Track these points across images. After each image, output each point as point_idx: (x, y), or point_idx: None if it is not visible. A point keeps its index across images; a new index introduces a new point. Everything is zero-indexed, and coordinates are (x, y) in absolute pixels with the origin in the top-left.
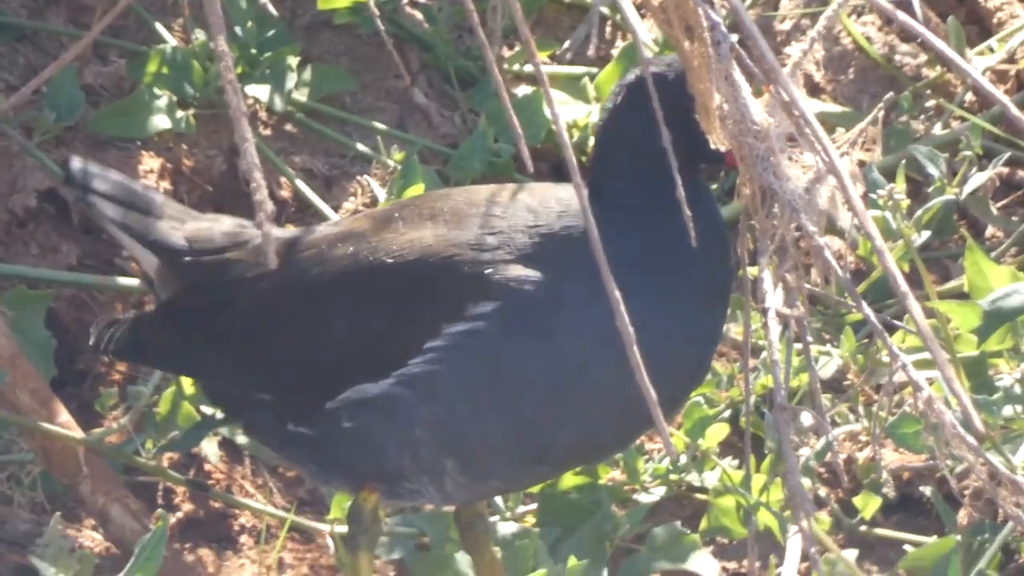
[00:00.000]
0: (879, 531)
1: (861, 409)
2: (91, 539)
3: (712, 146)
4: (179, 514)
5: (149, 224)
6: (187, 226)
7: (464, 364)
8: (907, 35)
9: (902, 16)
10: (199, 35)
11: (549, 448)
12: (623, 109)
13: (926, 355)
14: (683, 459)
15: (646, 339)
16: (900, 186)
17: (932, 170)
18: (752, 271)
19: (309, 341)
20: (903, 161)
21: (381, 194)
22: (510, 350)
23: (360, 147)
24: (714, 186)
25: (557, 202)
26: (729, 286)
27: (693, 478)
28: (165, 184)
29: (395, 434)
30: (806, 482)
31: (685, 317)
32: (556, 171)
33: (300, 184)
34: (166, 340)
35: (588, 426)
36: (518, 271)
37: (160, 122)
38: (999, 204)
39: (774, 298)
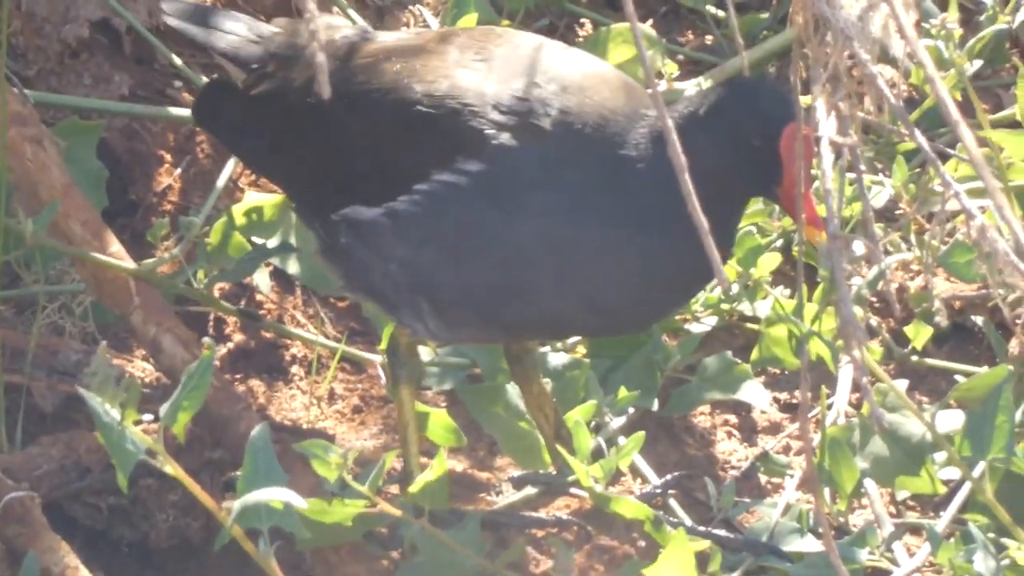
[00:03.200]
0: (930, 361)
1: (913, 238)
2: (142, 369)
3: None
4: (230, 344)
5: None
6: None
7: (437, 212)
8: None
9: None
10: None
11: (500, 315)
12: (715, 112)
13: (978, 184)
14: (735, 288)
15: (642, 245)
16: (952, 15)
17: None
18: (805, 100)
19: (331, 146)
20: None
21: (433, 23)
22: (478, 212)
23: None
24: (765, 15)
25: (602, 95)
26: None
27: (745, 308)
28: None
29: (376, 262)
30: (858, 311)
31: (679, 259)
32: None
33: (352, 13)
34: (233, 116)
35: (540, 303)
36: (517, 141)
37: None
38: None
39: (827, 127)
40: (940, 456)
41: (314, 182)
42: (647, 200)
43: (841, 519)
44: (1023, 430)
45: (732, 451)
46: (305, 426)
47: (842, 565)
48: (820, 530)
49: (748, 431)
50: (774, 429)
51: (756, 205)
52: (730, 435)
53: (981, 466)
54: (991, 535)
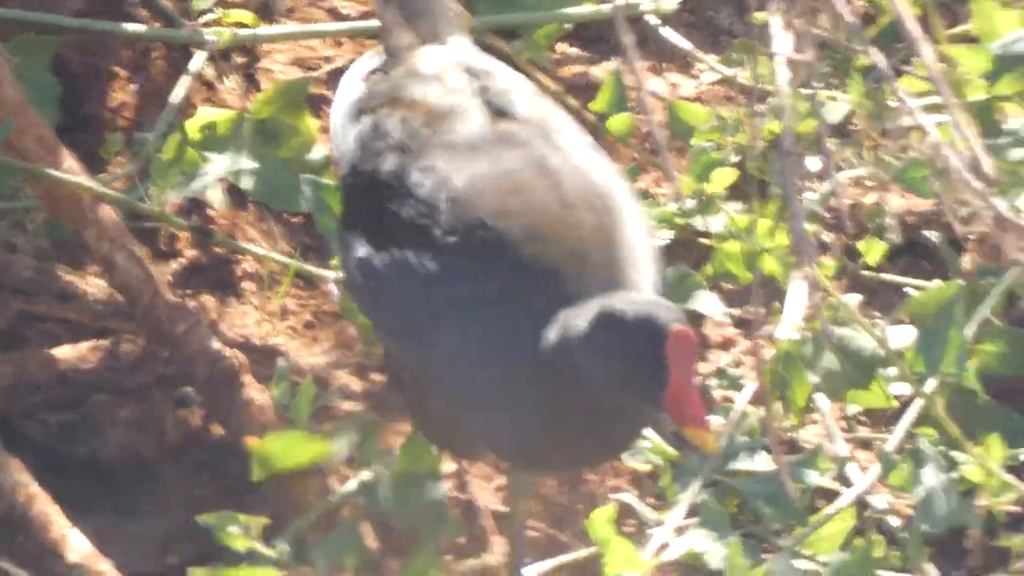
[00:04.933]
0: (883, 276)
1: (868, 154)
2: (95, 286)
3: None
4: (182, 260)
5: None
6: None
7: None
8: None
9: None
10: None
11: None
12: (600, 325)
13: (934, 100)
14: (689, 203)
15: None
16: None
17: None
18: (761, 16)
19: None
20: None
21: None
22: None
23: None
24: None
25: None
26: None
27: (699, 222)
28: None
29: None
30: (811, 227)
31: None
32: None
33: None
34: None
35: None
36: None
37: None
38: None
39: (783, 43)
40: (892, 371)
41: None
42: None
43: (792, 434)
44: (974, 346)
45: None
46: (257, 342)
47: (791, 483)
48: (771, 445)
49: (701, 346)
50: (727, 344)
51: (711, 122)
52: None
53: (932, 381)
54: (942, 450)
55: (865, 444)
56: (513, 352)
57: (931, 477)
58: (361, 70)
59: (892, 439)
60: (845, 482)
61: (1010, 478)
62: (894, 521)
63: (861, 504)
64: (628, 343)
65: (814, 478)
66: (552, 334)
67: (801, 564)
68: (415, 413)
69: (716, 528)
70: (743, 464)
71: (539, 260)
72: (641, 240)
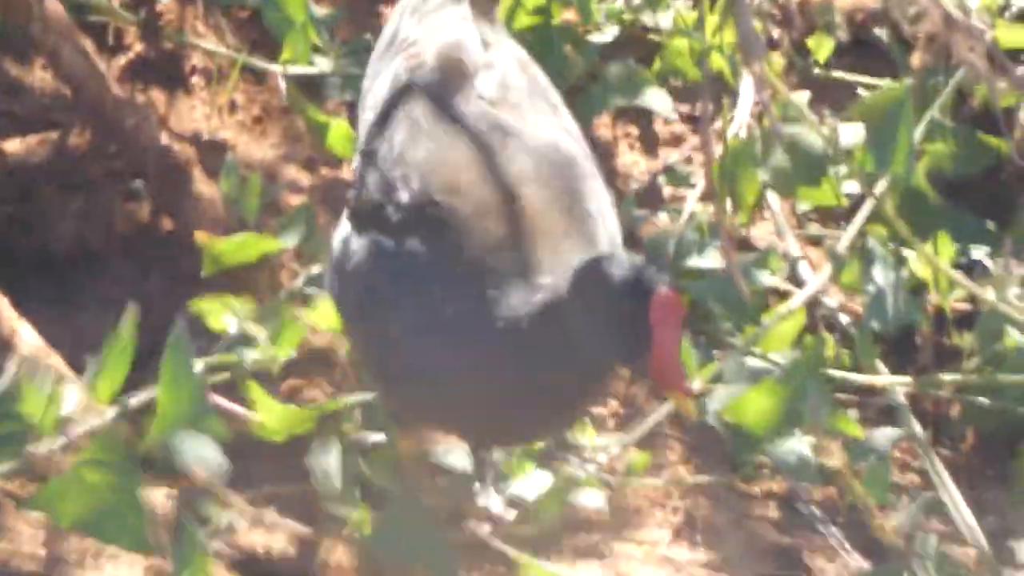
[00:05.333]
0: (833, 73)
1: None
2: (41, 79)
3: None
4: (130, 55)
5: None
6: None
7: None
8: None
9: None
10: None
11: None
12: (583, 284)
13: None
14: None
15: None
16: None
17: None
18: None
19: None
20: None
21: None
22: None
23: None
24: None
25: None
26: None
27: (647, 18)
28: None
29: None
30: (759, 24)
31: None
32: None
33: None
34: None
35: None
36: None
37: None
38: None
39: None
40: (842, 169)
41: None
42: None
43: (743, 231)
44: (923, 146)
45: (634, 163)
46: (206, 136)
47: (743, 280)
48: (721, 242)
49: (650, 143)
50: (676, 141)
51: None
52: (632, 147)
53: (882, 180)
54: (892, 248)
55: (815, 241)
56: (471, 326)
57: (881, 276)
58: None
59: (843, 238)
60: (796, 281)
61: (959, 276)
62: (845, 320)
63: (812, 303)
64: (614, 303)
65: (766, 278)
66: (519, 301)
67: (753, 363)
68: (378, 392)
69: None
70: (693, 262)
71: (491, 235)
72: (602, 214)
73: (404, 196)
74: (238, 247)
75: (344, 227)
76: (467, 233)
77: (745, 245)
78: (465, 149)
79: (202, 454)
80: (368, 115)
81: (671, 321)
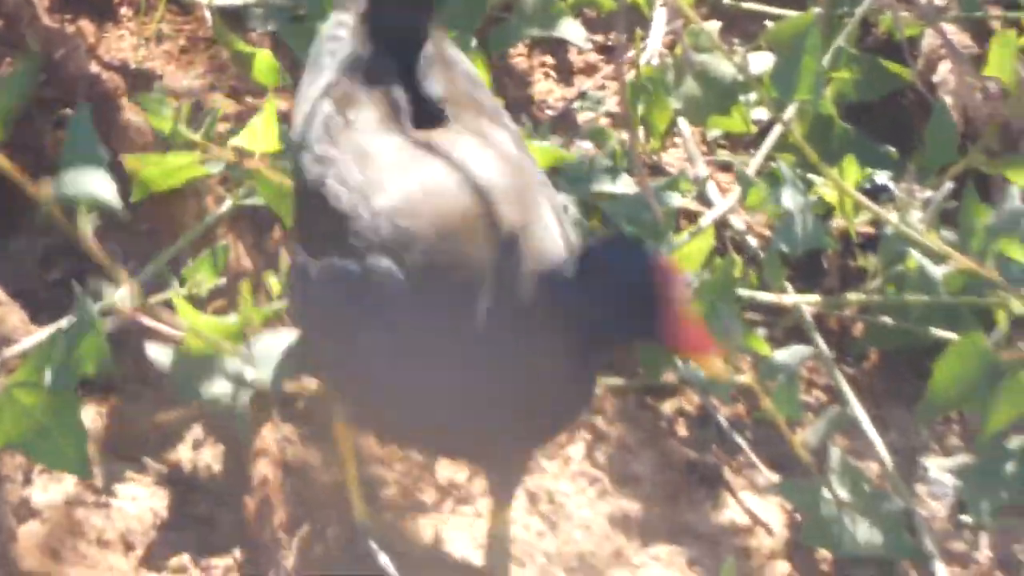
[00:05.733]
0: (743, 4)
1: None
2: None
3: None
4: None
5: None
6: None
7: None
8: None
9: None
10: None
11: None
12: (587, 267)
13: None
14: None
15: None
16: None
17: None
18: None
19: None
20: None
21: None
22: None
23: None
24: None
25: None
26: (540, 439)
27: None
28: None
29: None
30: None
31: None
32: None
33: None
34: None
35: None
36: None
37: None
38: None
39: None
40: (751, 97)
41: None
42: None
43: (655, 157)
44: (830, 73)
45: (549, 91)
46: (134, 66)
47: (656, 202)
48: (633, 168)
49: (565, 72)
50: (590, 70)
51: None
52: (547, 76)
53: (790, 107)
54: (799, 172)
55: (726, 167)
56: (447, 342)
57: (789, 199)
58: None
59: (752, 163)
60: (706, 204)
61: (864, 200)
62: (753, 242)
63: (721, 225)
64: (617, 283)
65: (676, 200)
66: (504, 311)
67: None
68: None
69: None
70: (606, 187)
71: (457, 252)
72: (557, 225)
73: (368, 224)
74: (166, 172)
75: (300, 253)
76: (432, 252)
77: (657, 170)
78: (427, 176)
79: (96, 190)
80: (312, 132)
81: (677, 289)
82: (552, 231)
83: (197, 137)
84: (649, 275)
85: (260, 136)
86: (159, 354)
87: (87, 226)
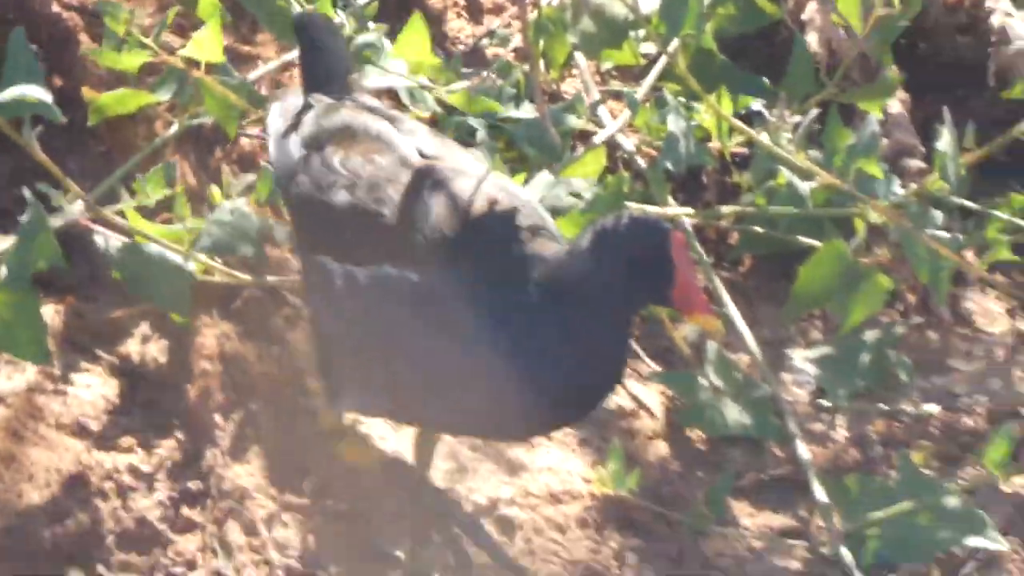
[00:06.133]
0: None
1: None
2: None
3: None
4: None
5: None
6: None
7: (379, 294)
8: None
9: None
10: None
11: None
12: (599, 241)
13: None
14: None
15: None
16: None
17: None
18: None
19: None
20: None
21: None
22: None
23: None
24: None
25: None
26: (594, 405)
27: None
28: None
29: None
30: None
31: (554, 389)
32: None
33: None
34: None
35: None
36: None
37: None
38: None
39: None
40: (641, 33)
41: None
42: (541, 331)
43: (555, 87)
44: (711, 10)
45: (461, 29)
46: (91, 5)
47: (552, 126)
48: (534, 95)
49: (475, 12)
50: (498, 10)
51: None
52: (459, 15)
53: (675, 42)
54: (682, 100)
55: (617, 96)
56: (503, 336)
57: (673, 123)
58: (291, 106)
59: (640, 91)
60: (599, 126)
61: (739, 123)
62: (641, 162)
63: (613, 146)
64: (636, 253)
65: (572, 121)
66: (549, 291)
67: (562, 193)
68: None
69: (486, 157)
70: (511, 112)
71: (496, 253)
72: (544, 218)
73: (420, 232)
74: (119, 100)
75: (326, 262)
76: (469, 257)
77: (556, 98)
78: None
79: (36, 101)
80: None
81: (685, 258)
82: (554, 233)
83: (149, 40)
84: (661, 247)
85: (206, 47)
86: (108, 246)
87: (32, 136)
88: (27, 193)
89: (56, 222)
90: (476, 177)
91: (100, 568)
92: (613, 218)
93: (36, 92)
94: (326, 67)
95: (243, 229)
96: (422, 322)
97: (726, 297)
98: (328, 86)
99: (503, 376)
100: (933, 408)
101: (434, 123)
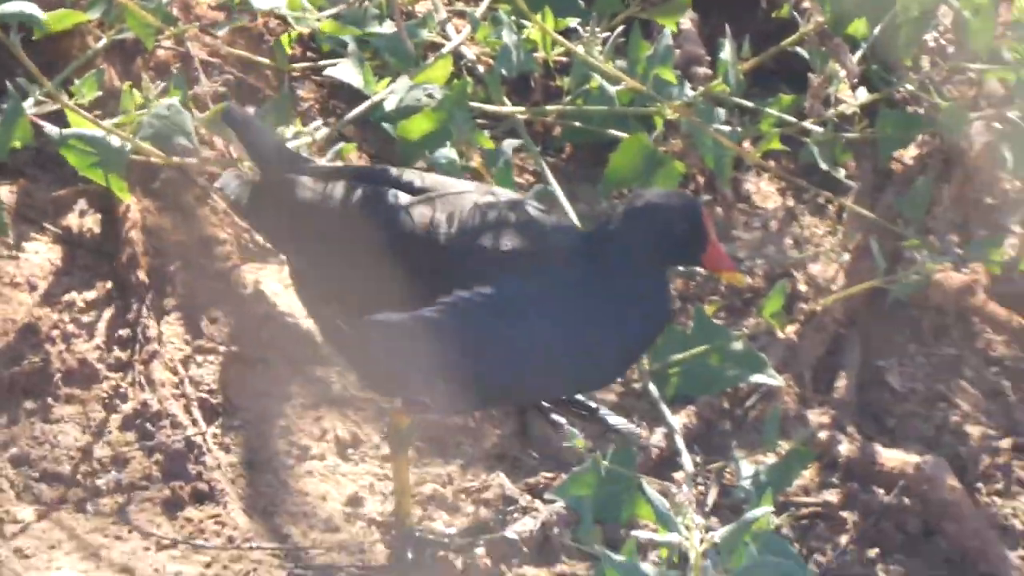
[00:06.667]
0: None
1: None
2: None
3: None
4: None
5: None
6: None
7: (457, 320)
8: None
9: None
10: None
11: (491, 395)
12: (636, 217)
13: None
14: None
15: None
16: None
17: None
18: None
19: (352, 266)
20: None
21: None
22: (486, 322)
23: None
24: None
25: (544, 242)
26: (643, 351)
27: None
28: None
29: (409, 357)
30: None
31: (606, 347)
32: None
33: None
34: (272, 222)
35: (524, 386)
36: (513, 275)
37: None
38: None
39: None
40: None
41: (346, 292)
42: (593, 304)
43: (410, 8)
44: None
45: None
46: None
47: (408, 39)
48: (394, 14)
49: None
50: None
51: None
52: None
53: None
54: (514, 19)
55: (461, 15)
56: (567, 308)
57: (507, 37)
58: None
59: (479, 9)
60: (447, 39)
61: (559, 37)
62: (481, 68)
63: (458, 56)
64: (674, 223)
65: (424, 35)
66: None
67: (419, 94)
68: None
69: (356, 66)
70: (375, 28)
71: (528, 250)
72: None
73: (478, 254)
74: (59, 19)
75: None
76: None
77: (411, 16)
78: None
79: (23, 10)
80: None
81: (710, 223)
82: (550, 219)
83: None
84: (697, 219)
85: None
86: (61, 133)
87: (17, 40)
88: (9, 85)
89: (31, 109)
90: (474, 190)
91: (50, 400)
92: (649, 195)
93: (26, 7)
94: (266, 146)
95: (179, 123)
96: (507, 326)
97: (552, 178)
98: (276, 158)
99: (590, 343)
100: None
101: (313, 37)
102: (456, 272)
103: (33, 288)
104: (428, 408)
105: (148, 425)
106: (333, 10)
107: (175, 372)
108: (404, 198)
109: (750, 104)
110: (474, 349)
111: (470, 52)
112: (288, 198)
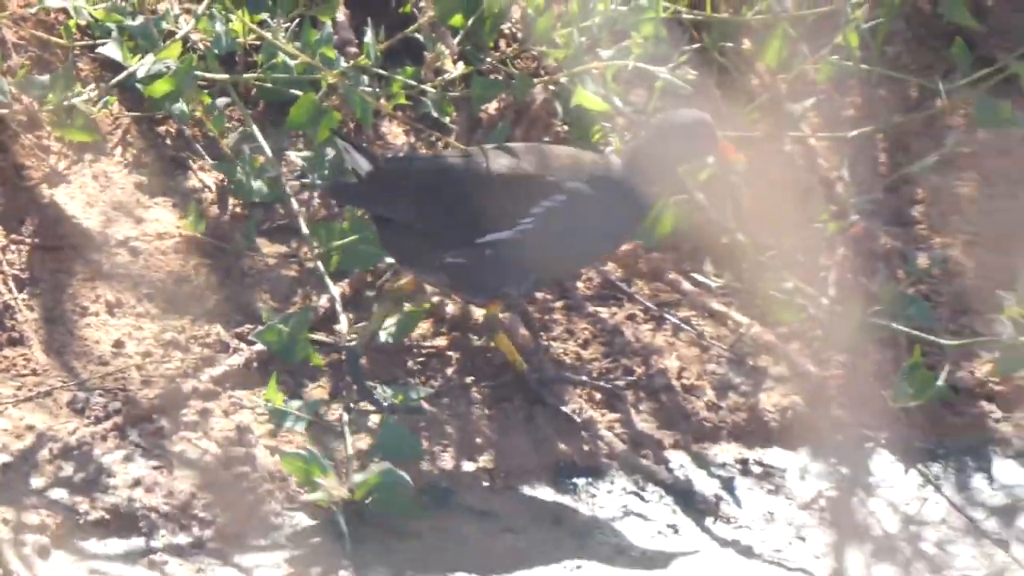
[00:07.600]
0: None
1: None
2: None
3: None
4: None
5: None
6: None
7: (543, 224)
8: None
9: None
10: None
11: (567, 270)
12: (652, 138)
13: None
14: None
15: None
16: None
17: None
18: None
19: (465, 205)
20: None
21: None
22: (565, 221)
23: None
24: None
25: (583, 163)
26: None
27: None
28: None
29: (510, 260)
30: None
31: (616, 236)
32: None
33: None
34: (370, 192)
35: (587, 257)
36: (574, 187)
37: None
38: None
39: None
40: None
41: (459, 227)
42: (627, 202)
43: (153, 6)
44: None
45: None
46: None
47: (152, 28)
48: (143, 11)
49: None
50: None
51: None
52: None
53: None
54: (224, 13)
55: (188, 11)
56: (606, 209)
57: (218, 27)
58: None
59: (201, 7)
60: (179, 28)
61: (256, 28)
62: (202, 48)
63: (187, 40)
64: (696, 132)
65: (163, 25)
66: (624, 165)
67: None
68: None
69: (118, 46)
70: (129, 22)
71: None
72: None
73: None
74: None
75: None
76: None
77: (155, 11)
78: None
79: None
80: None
81: (715, 128)
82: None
83: None
84: (711, 126)
85: None
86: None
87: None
88: None
89: None
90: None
91: None
92: (673, 115)
93: None
94: (367, 152)
95: None
96: (574, 218)
97: (254, 125)
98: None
99: (619, 231)
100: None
101: (89, 25)
102: (535, 191)
103: None
104: (512, 297)
105: None
106: (102, 5)
107: None
108: (490, 154)
109: (385, 72)
110: (556, 242)
111: (196, 36)
112: (409, 171)
